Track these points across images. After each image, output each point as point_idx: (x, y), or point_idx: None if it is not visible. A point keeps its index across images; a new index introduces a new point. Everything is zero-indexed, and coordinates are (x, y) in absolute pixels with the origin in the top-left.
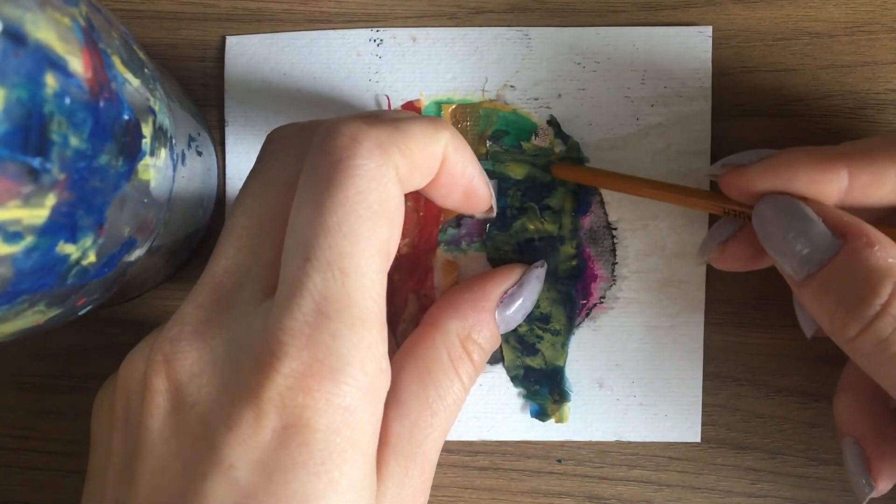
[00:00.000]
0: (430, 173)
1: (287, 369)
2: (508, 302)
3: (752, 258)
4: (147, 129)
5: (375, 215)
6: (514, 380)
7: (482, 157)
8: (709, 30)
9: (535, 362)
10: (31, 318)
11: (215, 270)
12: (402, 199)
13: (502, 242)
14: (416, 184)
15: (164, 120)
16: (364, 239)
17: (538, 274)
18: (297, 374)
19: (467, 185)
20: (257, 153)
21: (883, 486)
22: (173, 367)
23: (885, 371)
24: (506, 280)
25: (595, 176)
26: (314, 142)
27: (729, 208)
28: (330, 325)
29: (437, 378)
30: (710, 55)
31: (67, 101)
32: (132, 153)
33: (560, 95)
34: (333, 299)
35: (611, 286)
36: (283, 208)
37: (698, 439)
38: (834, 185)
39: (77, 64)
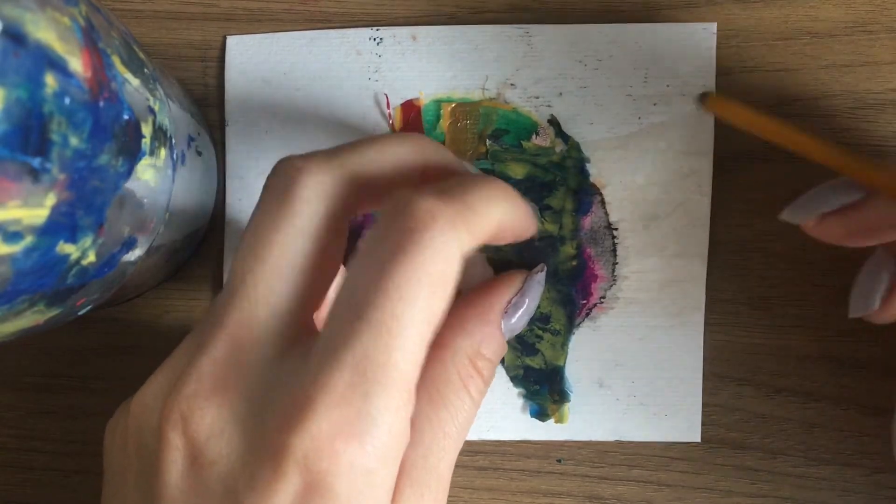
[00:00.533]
0: (486, 240)
1: (315, 428)
2: (513, 311)
3: (848, 236)
4: (147, 129)
5: (434, 286)
6: (514, 380)
7: (482, 157)
8: (713, 27)
9: (534, 362)
10: (31, 317)
11: (228, 323)
12: (459, 274)
13: None
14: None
15: (164, 120)
16: (419, 305)
17: (539, 279)
18: (325, 434)
19: (516, 234)
20: (255, 152)
21: None
22: (190, 426)
23: None
24: (508, 290)
25: (755, 118)
26: (387, 207)
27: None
28: (365, 384)
29: (449, 399)
30: (714, 53)
31: (67, 101)
32: (132, 153)
33: (561, 94)
34: (374, 359)
35: (611, 286)
36: (301, 259)
37: (698, 439)
38: None
39: (77, 64)
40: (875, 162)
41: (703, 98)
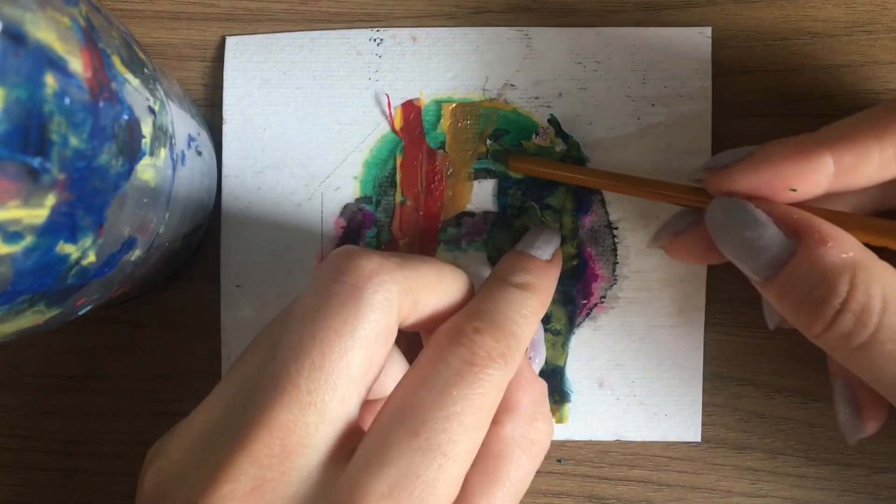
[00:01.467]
0: None
1: None
2: (533, 354)
3: (706, 252)
4: (147, 129)
5: (488, 419)
6: None
7: (482, 156)
8: (708, 30)
9: None
10: (31, 317)
11: (274, 423)
12: None
13: (503, 242)
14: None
15: (164, 120)
16: (476, 434)
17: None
18: None
19: None
20: (253, 150)
21: (871, 428)
22: None
23: (852, 362)
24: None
25: (548, 168)
26: (446, 335)
27: (683, 200)
28: (410, 501)
29: (506, 473)
30: (709, 55)
31: (67, 101)
32: (132, 153)
33: (561, 95)
34: (423, 478)
35: (611, 286)
36: (356, 368)
37: (698, 439)
38: (820, 172)
39: (77, 64)
40: (652, 180)
41: (503, 158)
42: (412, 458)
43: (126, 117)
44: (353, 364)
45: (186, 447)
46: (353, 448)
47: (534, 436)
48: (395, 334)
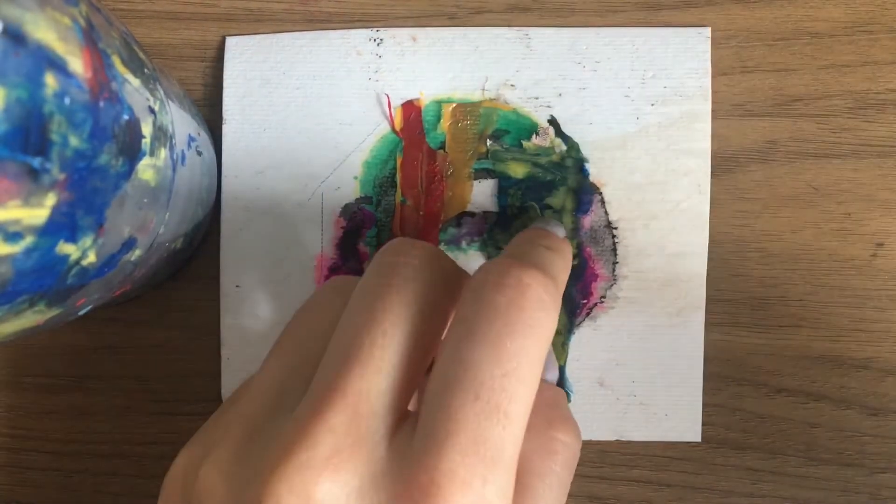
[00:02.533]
0: None
1: None
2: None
3: None
4: (147, 129)
5: (540, 366)
6: None
7: (482, 156)
8: (707, 31)
9: None
10: (31, 318)
11: (349, 391)
12: None
13: (503, 242)
14: None
15: (164, 120)
16: (532, 386)
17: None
18: None
19: None
20: (252, 150)
21: None
22: (312, 499)
23: None
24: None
25: None
26: (490, 278)
27: None
28: (483, 468)
29: (533, 488)
30: (708, 55)
31: (67, 101)
32: (132, 153)
33: (560, 95)
34: (490, 442)
35: (611, 286)
36: (426, 339)
37: (698, 439)
38: None
39: (77, 64)
40: None
41: None
42: (478, 424)
43: (126, 117)
44: (419, 334)
45: (240, 441)
46: (409, 416)
47: (552, 445)
48: (451, 311)
